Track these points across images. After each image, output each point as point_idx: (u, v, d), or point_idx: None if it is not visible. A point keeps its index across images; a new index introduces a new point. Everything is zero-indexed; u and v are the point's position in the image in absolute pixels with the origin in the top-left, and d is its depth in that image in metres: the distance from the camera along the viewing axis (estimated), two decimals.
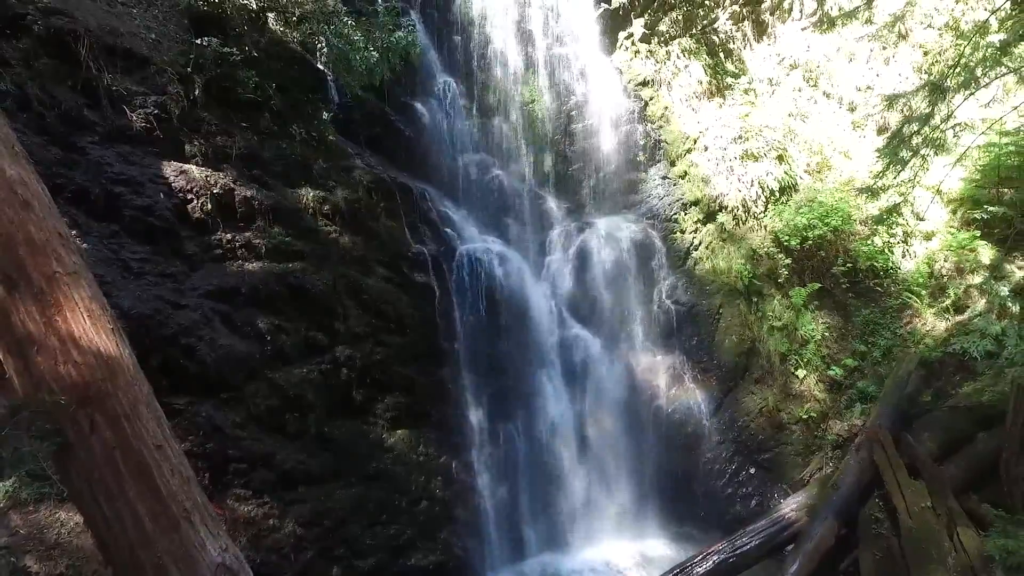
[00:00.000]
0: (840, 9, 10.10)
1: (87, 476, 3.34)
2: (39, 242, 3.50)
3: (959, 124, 6.82)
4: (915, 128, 6.22)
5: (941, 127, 6.23)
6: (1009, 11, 7.89)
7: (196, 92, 6.34)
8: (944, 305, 8.70)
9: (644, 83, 10.88)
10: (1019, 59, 7.10)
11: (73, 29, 5.62)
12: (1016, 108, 8.45)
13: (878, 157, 7.28)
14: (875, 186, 7.28)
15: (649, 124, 10.61)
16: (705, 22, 11.24)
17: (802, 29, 11.15)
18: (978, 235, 8.82)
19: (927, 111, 6.13)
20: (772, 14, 11.40)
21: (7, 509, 3.79)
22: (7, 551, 3.42)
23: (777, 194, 9.98)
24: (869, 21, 7.61)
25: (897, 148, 6.40)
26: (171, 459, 3.52)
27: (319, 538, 6.21)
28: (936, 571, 5.70)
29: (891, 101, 6.88)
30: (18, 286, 3.39)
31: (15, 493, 3.86)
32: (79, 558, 3.73)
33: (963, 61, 6.01)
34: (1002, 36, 7.30)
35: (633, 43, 11.12)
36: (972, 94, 6.31)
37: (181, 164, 6.16)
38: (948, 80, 6.07)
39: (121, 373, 3.52)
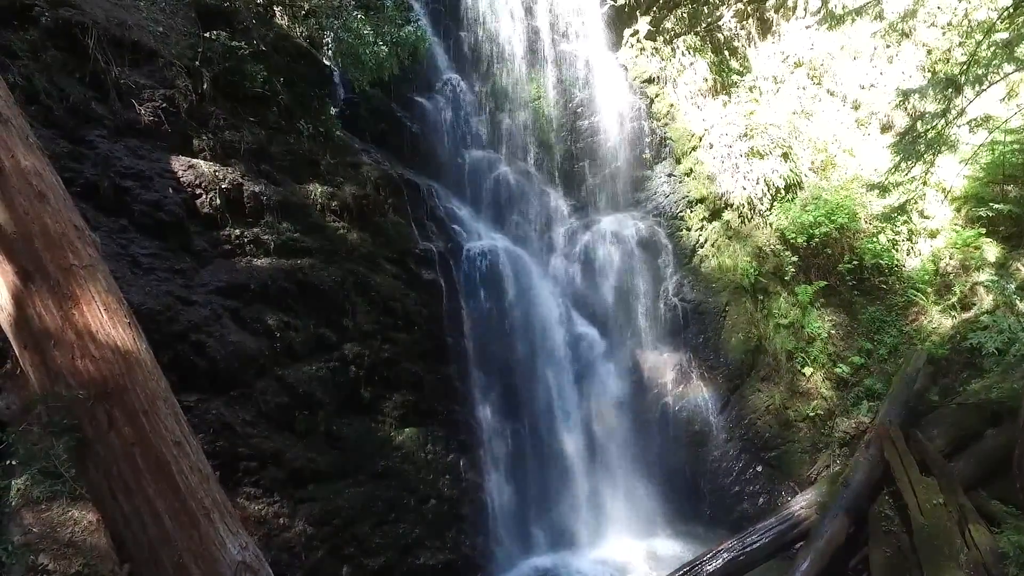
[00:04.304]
0: (844, 7, 10.12)
1: (105, 472, 3.28)
2: (54, 234, 3.44)
3: (972, 120, 6.81)
4: (931, 123, 6.21)
5: (956, 122, 6.23)
6: (1012, 10, 7.91)
7: (204, 86, 6.28)
8: (950, 303, 8.72)
9: (649, 80, 10.86)
10: None
11: (81, 21, 5.54)
12: (1020, 107, 8.47)
13: (892, 152, 7.26)
14: (886, 182, 7.27)
15: (655, 121, 10.60)
16: (710, 20, 11.23)
17: (806, 27, 11.16)
18: (983, 232, 8.84)
19: (942, 107, 6.13)
20: (776, 12, 11.41)
21: (20, 507, 3.71)
22: (25, 548, 3.35)
23: (783, 192, 9.99)
24: (880, 17, 7.60)
25: (914, 142, 6.37)
26: (190, 456, 3.46)
27: (329, 537, 6.14)
28: (948, 568, 5.69)
29: (905, 96, 6.87)
30: (34, 279, 3.33)
31: (27, 491, 3.78)
32: (94, 556, 3.66)
33: (975, 58, 6.01)
34: (1005, 35, 7.32)
35: (638, 40, 11.10)
36: (984, 90, 6.31)
37: (189, 159, 6.09)
38: (961, 77, 6.07)
39: (139, 368, 3.46)
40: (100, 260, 3.66)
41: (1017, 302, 8.02)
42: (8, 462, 3.54)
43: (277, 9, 7.34)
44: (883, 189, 7.73)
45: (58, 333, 3.31)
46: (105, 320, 3.42)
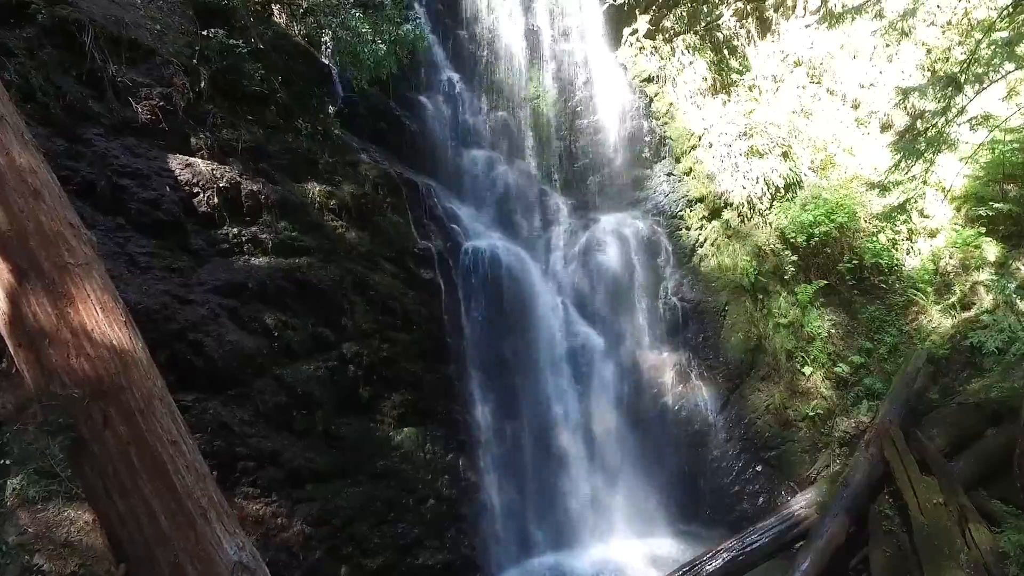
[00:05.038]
0: (843, 6, 10.11)
1: (101, 472, 3.25)
2: (50, 232, 3.41)
3: (972, 119, 6.79)
4: (931, 122, 6.21)
5: (956, 121, 6.22)
6: (1012, 9, 7.90)
7: (202, 84, 6.26)
8: (950, 302, 8.70)
9: (649, 79, 10.85)
10: None
11: (78, 19, 5.52)
12: (1021, 106, 8.45)
13: (892, 151, 7.25)
14: (886, 181, 7.25)
15: (654, 120, 10.59)
16: (709, 19, 11.22)
17: (806, 26, 11.14)
18: (983, 232, 8.83)
19: (942, 105, 6.12)
20: (776, 11, 11.39)
21: (15, 507, 3.69)
22: (20, 549, 3.32)
23: (782, 191, 9.97)
24: (879, 16, 7.58)
25: (913, 140, 6.37)
26: (186, 455, 3.43)
27: (327, 537, 6.11)
28: (948, 567, 5.67)
29: (905, 94, 6.87)
30: (29, 277, 3.30)
31: (23, 491, 3.76)
32: (90, 557, 3.64)
33: (975, 56, 6.00)
34: (1005, 34, 7.31)
35: (638, 39, 11.09)
36: (984, 89, 6.30)
37: (187, 157, 6.07)
38: (961, 75, 6.06)
39: (135, 367, 3.43)
40: (96, 258, 3.63)
41: (1017, 301, 8.01)
42: (3, 462, 3.52)
43: (275, 7, 7.32)
44: (883, 188, 7.72)
45: (53, 331, 3.28)
46: (101, 319, 3.39)
